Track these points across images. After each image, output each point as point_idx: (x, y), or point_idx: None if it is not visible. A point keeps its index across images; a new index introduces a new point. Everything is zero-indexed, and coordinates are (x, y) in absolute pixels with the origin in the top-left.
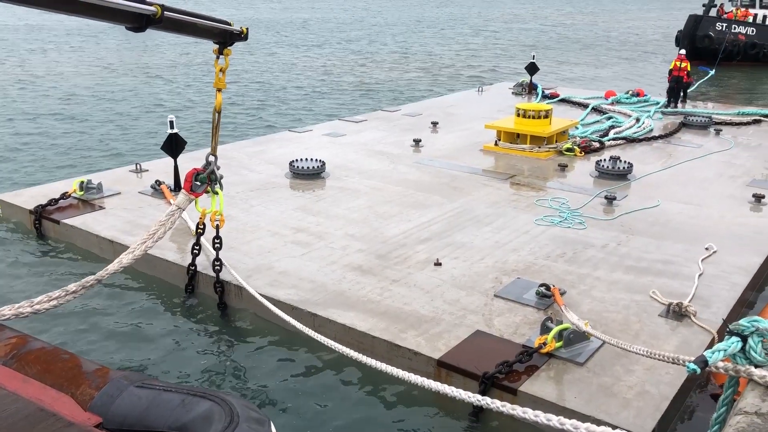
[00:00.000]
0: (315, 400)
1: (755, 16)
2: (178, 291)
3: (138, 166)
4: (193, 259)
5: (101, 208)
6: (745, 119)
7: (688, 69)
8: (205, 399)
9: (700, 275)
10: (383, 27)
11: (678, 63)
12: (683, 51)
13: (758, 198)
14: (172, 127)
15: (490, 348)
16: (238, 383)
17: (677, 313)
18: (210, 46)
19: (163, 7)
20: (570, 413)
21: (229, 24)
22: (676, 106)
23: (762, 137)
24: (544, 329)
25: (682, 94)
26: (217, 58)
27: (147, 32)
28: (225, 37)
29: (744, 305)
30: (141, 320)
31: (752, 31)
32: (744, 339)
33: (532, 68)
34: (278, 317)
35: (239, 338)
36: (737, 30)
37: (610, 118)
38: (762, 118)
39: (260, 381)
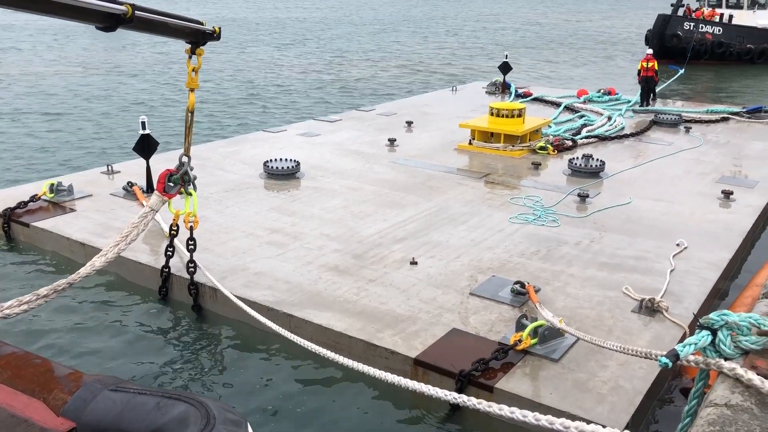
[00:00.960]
0: (292, 400)
1: (722, 15)
2: (152, 293)
3: (110, 168)
4: (167, 261)
5: (72, 210)
6: (713, 117)
7: (656, 68)
8: (181, 401)
9: (671, 271)
10: (358, 26)
11: (644, 63)
12: (650, 51)
13: (727, 194)
14: (144, 127)
15: (466, 346)
16: (214, 385)
17: (650, 309)
18: (184, 45)
19: (134, 7)
20: (545, 409)
21: (202, 23)
22: (648, 105)
23: (730, 134)
24: (520, 326)
25: (652, 93)
26: (190, 57)
27: (120, 31)
28: (197, 37)
29: (714, 299)
30: (114, 323)
31: (719, 31)
32: (714, 332)
33: (505, 67)
34: (254, 319)
35: (214, 340)
36: (704, 29)
37: (582, 116)
38: (730, 116)
39: (236, 382)
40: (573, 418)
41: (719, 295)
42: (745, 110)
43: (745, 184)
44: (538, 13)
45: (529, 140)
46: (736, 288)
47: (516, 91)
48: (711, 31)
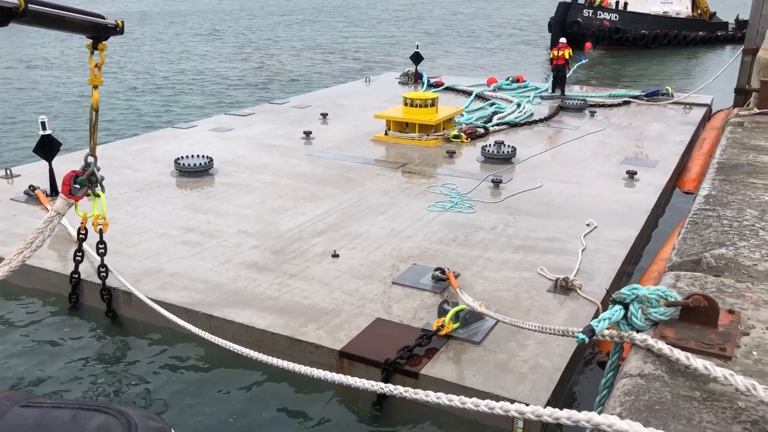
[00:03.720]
0: (216, 403)
1: (617, 2)
2: (62, 301)
3: (8, 172)
4: (76, 267)
5: None
6: (616, 101)
7: (566, 57)
8: (99, 412)
9: (583, 250)
10: (265, 18)
11: (556, 52)
12: (563, 39)
13: (631, 174)
14: (44, 128)
15: (390, 335)
16: (134, 393)
17: (564, 288)
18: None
19: (27, 0)
20: (470, 391)
21: (103, 17)
22: (563, 93)
23: (631, 117)
24: (441, 312)
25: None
26: (92, 53)
27: (14, 26)
28: (99, 31)
29: (624, 275)
30: (23, 336)
31: (616, 17)
32: (626, 306)
33: (416, 58)
34: (172, 321)
35: (132, 346)
36: (602, 16)
37: (493, 104)
38: (631, 100)
39: (158, 389)
40: (496, 398)
41: (628, 270)
42: (644, 94)
43: (647, 164)
44: (449, 4)
45: (443, 129)
46: (642, 263)
47: (428, 80)
48: (609, 18)
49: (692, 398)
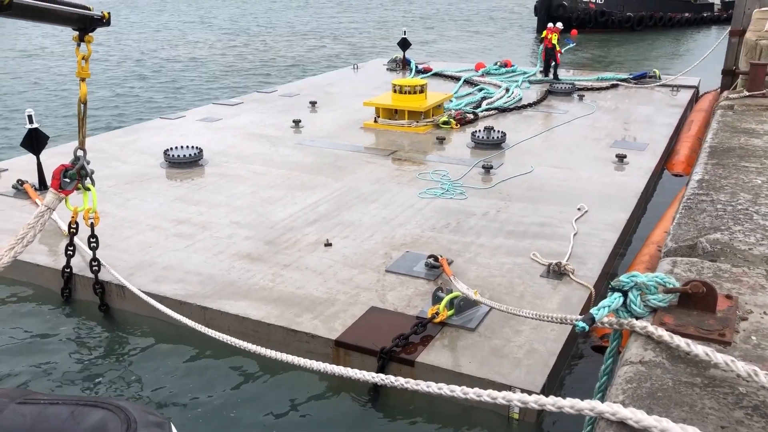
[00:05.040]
0: (213, 396)
1: None
2: (54, 296)
3: None
4: (68, 261)
5: None
6: (604, 84)
7: (553, 41)
8: (97, 408)
9: (575, 234)
10: (251, 3)
11: (548, 35)
12: (552, 24)
13: (621, 158)
14: (31, 121)
15: (385, 323)
16: (131, 388)
17: (557, 273)
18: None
19: None
20: (466, 378)
21: (89, 9)
22: (556, 77)
23: (619, 101)
24: (436, 299)
25: (553, 63)
26: (78, 45)
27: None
28: (85, 23)
29: (615, 259)
30: (16, 332)
31: (601, 0)
32: (624, 294)
33: (404, 44)
34: (166, 314)
35: (127, 340)
36: None
37: (481, 89)
38: (619, 83)
39: (155, 383)
40: (492, 384)
41: (619, 254)
42: (631, 77)
43: (636, 147)
44: None
45: (433, 115)
46: (634, 246)
47: (416, 66)
48: (594, 1)
49: (693, 384)
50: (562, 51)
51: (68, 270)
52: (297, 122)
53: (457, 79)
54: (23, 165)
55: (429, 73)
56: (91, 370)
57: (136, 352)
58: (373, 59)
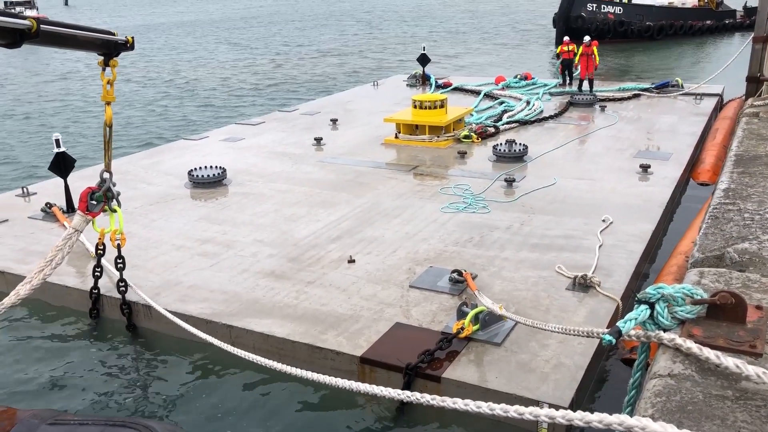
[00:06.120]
0: (238, 414)
1: None
2: (83, 317)
3: (25, 190)
4: (96, 282)
5: None
6: (625, 94)
7: (575, 51)
8: (126, 427)
9: (600, 246)
10: (271, 25)
11: (565, 48)
12: (567, 38)
13: (645, 168)
14: (58, 145)
15: (410, 339)
16: (157, 406)
17: (583, 285)
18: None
19: (39, 21)
20: (492, 393)
21: (113, 34)
22: (580, 88)
23: (642, 110)
24: (461, 314)
25: (575, 74)
26: (104, 70)
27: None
28: (110, 48)
29: (642, 271)
30: (46, 353)
31: (620, 10)
32: (651, 306)
33: (423, 59)
34: (192, 333)
35: (153, 359)
36: (606, 9)
37: (502, 103)
38: (641, 92)
39: (180, 401)
40: (520, 399)
41: (646, 265)
42: (654, 86)
43: (660, 157)
44: (451, 3)
45: (453, 130)
46: (661, 257)
47: (436, 82)
48: (613, 11)
49: (725, 398)
50: (597, 64)
51: (96, 291)
52: (318, 140)
53: (478, 93)
54: (51, 188)
55: (449, 88)
56: (119, 389)
57: (163, 371)
58: (393, 75)
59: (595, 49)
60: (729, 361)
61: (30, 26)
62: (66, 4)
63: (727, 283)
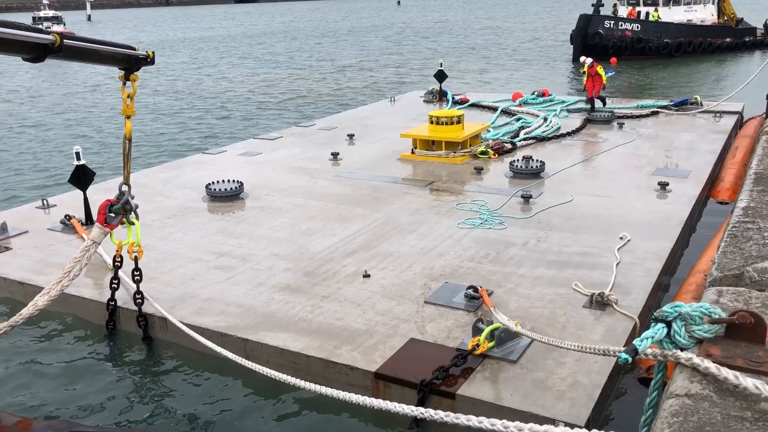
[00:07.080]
0: (252, 427)
1: (638, 13)
2: (99, 328)
3: (45, 202)
4: (113, 294)
5: (7, 249)
6: (644, 112)
7: (597, 71)
8: None
9: (617, 264)
10: (289, 41)
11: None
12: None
13: (663, 185)
14: (78, 158)
15: (425, 355)
16: (171, 418)
17: (600, 303)
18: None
19: (62, 36)
20: (508, 411)
21: (134, 48)
22: (593, 108)
23: (660, 128)
24: (476, 331)
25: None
26: (124, 84)
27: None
28: (130, 63)
29: (660, 289)
30: (62, 363)
31: (637, 27)
32: (668, 324)
33: (440, 75)
34: (207, 346)
35: (169, 372)
36: (624, 27)
37: (519, 119)
38: (659, 110)
39: (195, 414)
40: (536, 418)
41: (664, 283)
42: (672, 103)
43: (679, 175)
44: (472, 20)
45: (470, 146)
46: (679, 276)
47: (453, 98)
48: (630, 28)
49: (743, 419)
50: (605, 83)
51: (113, 303)
52: (335, 155)
53: (495, 109)
54: (71, 200)
55: (466, 104)
56: (134, 401)
57: (177, 384)
58: (412, 90)
59: (600, 68)
60: (748, 382)
61: (53, 41)
62: (89, 19)
63: (746, 303)
